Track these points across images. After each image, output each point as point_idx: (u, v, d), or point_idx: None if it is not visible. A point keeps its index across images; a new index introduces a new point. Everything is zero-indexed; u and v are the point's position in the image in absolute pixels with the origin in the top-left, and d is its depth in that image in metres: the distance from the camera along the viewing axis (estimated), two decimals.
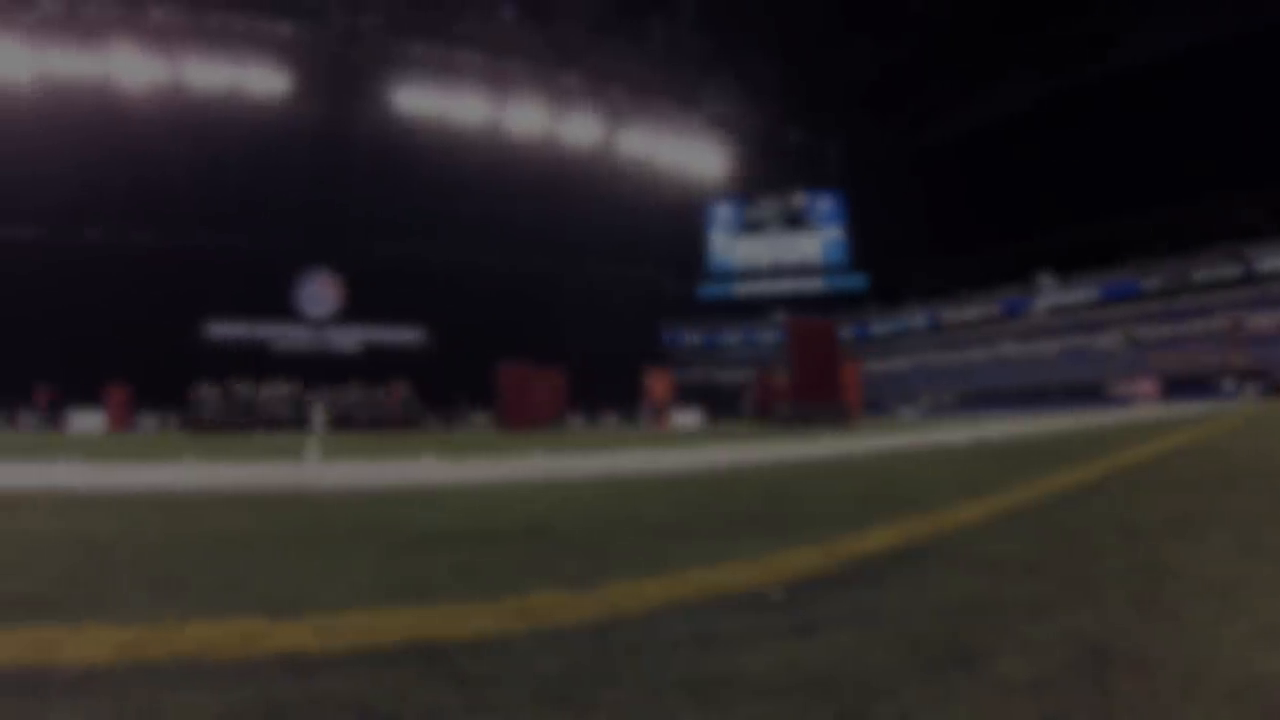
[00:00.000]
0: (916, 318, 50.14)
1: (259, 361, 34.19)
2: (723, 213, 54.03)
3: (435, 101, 40.65)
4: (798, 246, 53.21)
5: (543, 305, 44.07)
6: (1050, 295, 45.01)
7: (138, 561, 2.27)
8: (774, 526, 2.69)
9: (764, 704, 1.06)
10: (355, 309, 40.28)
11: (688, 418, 29.46)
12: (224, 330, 38.27)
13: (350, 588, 1.85)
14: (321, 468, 6.34)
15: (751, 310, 52.03)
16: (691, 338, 53.28)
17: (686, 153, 47.64)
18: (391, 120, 40.81)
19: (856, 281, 52.50)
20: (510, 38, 40.76)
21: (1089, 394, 36.35)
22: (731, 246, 54.05)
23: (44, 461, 7.23)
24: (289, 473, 5.63)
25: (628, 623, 1.49)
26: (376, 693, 1.15)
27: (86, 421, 25.86)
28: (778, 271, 53.32)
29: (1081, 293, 43.74)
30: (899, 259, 51.54)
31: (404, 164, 41.49)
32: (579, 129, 43.76)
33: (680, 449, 8.38)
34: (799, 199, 53.12)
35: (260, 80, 37.49)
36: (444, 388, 31.33)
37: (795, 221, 53.36)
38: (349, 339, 40.26)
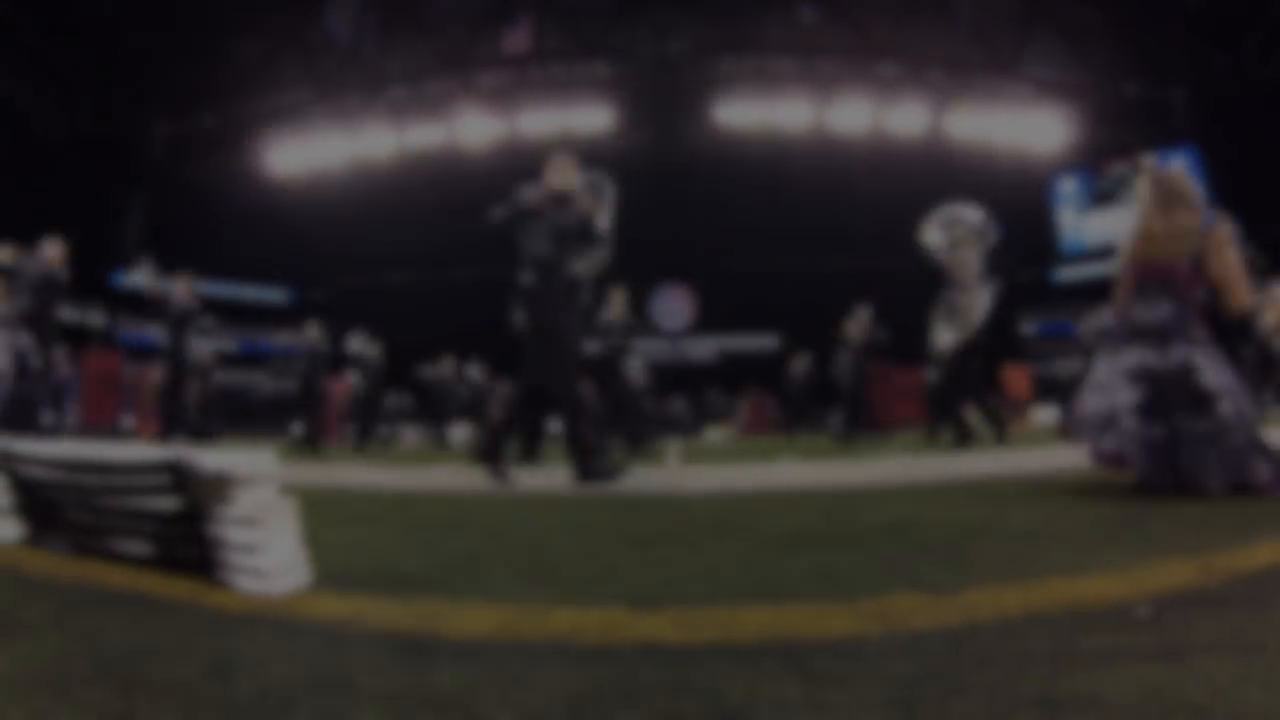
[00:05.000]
0: None
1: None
2: (1068, 187, 48.32)
3: (755, 112, 40.81)
4: None
5: (893, 303, 42.67)
6: None
7: (513, 553, 2.56)
8: (1142, 534, 2.51)
9: None
10: (708, 320, 42.02)
11: (1050, 414, 27.30)
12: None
13: (711, 585, 1.97)
14: (683, 471, 6.91)
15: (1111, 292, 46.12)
16: (1048, 327, 48.78)
17: (1020, 127, 43.20)
18: (717, 135, 41.73)
19: None
20: (819, 38, 40.16)
21: None
22: (1081, 223, 48.08)
23: (429, 468, 8.39)
24: (652, 477, 6.00)
25: (983, 632, 1.46)
26: (728, 685, 1.22)
27: (460, 432, 30.02)
28: None
29: None
30: (1274, 215, 42.72)
31: (737, 175, 42.16)
32: (905, 118, 41.35)
33: (1042, 449, 7.87)
34: (1148, 162, 46.27)
35: (586, 119, 40.97)
36: (801, 390, 31.65)
37: None
38: (704, 349, 41.64)
